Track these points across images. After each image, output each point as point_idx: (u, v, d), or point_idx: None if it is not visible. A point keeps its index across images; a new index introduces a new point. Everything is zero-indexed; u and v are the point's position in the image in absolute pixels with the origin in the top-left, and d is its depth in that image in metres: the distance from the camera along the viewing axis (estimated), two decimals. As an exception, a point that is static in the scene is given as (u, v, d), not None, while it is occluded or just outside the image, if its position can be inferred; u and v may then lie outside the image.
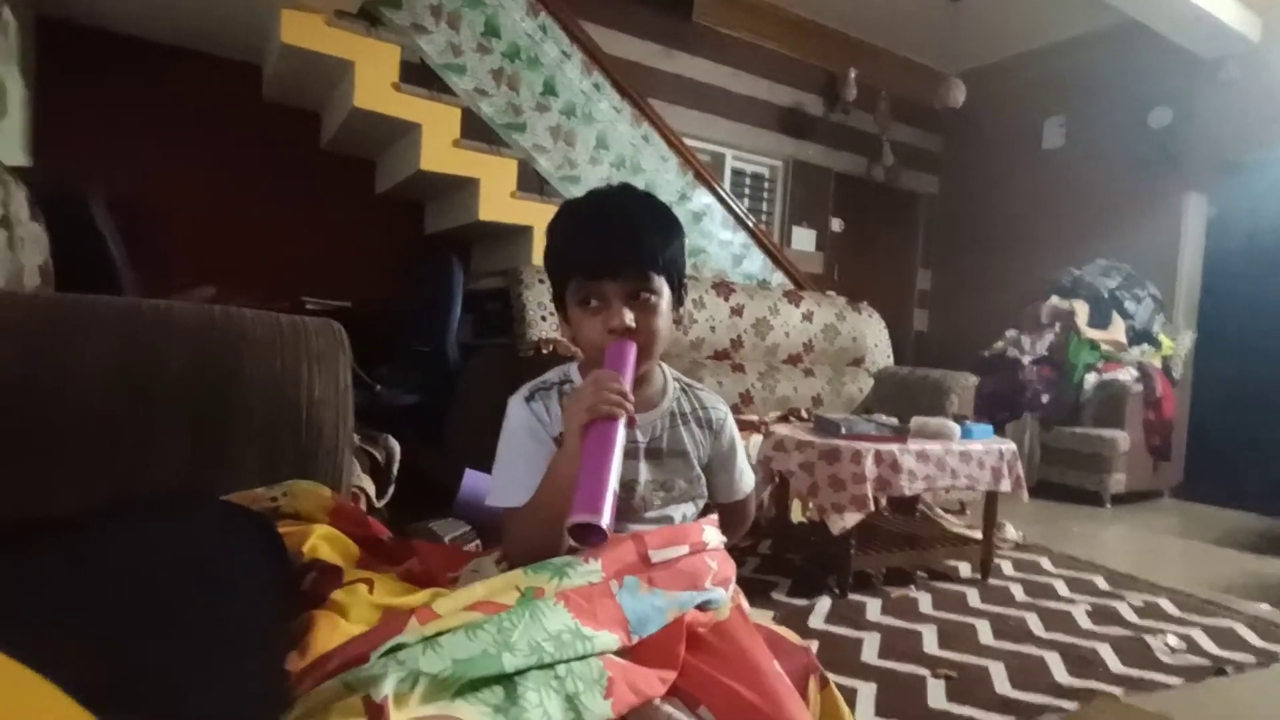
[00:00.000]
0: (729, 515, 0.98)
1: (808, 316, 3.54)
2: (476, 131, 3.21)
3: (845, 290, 4.01)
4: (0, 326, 0.99)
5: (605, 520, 0.69)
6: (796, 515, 2.53)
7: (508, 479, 0.85)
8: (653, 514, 0.91)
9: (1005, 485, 2.29)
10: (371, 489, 1.51)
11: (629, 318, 0.84)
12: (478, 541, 2.05)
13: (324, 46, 2.79)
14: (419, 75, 3.10)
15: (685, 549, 0.81)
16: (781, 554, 2.42)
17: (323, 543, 0.73)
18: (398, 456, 1.62)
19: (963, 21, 5.11)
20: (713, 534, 0.87)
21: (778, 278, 4.17)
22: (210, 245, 3.38)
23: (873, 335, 3.75)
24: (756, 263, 4.12)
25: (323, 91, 3.26)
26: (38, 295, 1.18)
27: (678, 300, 0.92)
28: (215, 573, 0.54)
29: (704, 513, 0.96)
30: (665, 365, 0.99)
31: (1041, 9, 4.97)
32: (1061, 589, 2.30)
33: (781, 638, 0.86)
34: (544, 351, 2.65)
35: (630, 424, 0.77)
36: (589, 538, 0.71)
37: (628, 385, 0.78)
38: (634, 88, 3.65)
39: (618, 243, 0.85)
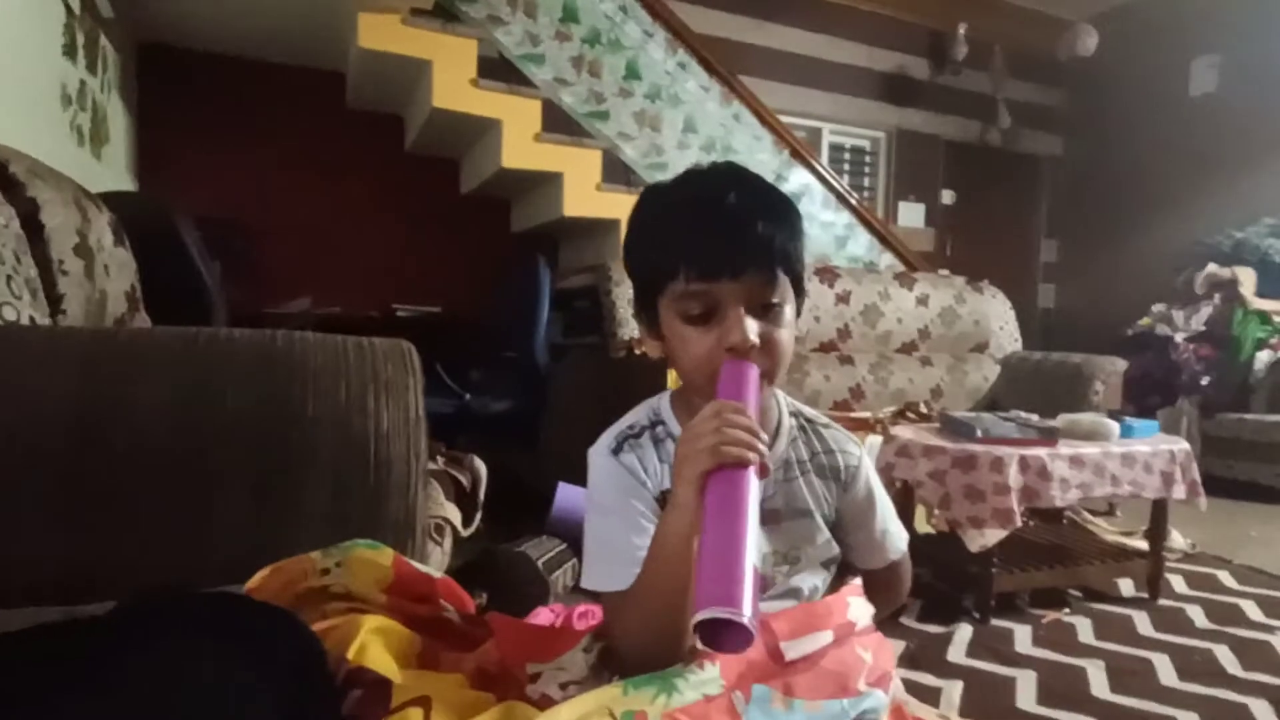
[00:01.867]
0: (876, 582, 0.77)
1: (922, 300, 3.22)
2: (559, 123, 3.09)
3: (960, 268, 3.65)
4: (53, 366, 0.92)
5: (746, 612, 0.49)
6: (921, 525, 2.27)
7: (606, 555, 0.67)
8: (775, 590, 0.72)
9: (1179, 492, 1.96)
10: (457, 518, 1.39)
11: (753, 331, 0.65)
12: (573, 561, 1.92)
13: (401, 47, 2.73)
14: (498, 69, 3.00)
15: (828, 635, 0.62)
16: (908, 570, 2.17)
17: (374, 640, 0.58)
18: (484, 479, 1.50)
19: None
20: (860, 608, 0.68)
21: (886, 259, 3.85)
22: (304, 256, 3.42)
23: (997, 318, 3.39)
24: (862, 244, 3.82)
25: (403, 94, 3.22)
26: (91, 329, 1.11)
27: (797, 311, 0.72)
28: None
29: (839, 576, 0.75)
30: (780, 394, 0.78)
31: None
32: (1253, 612, 1.95)
33: (956, 748, 0.66)
34: (636, 351, 2.50)
35: (762, 473, 0.58)
36: (725, 639, 0.50)
37: (754, 418, 0.59)
38: (722, 64, 3.42)
39: (740, 234, 0.65)
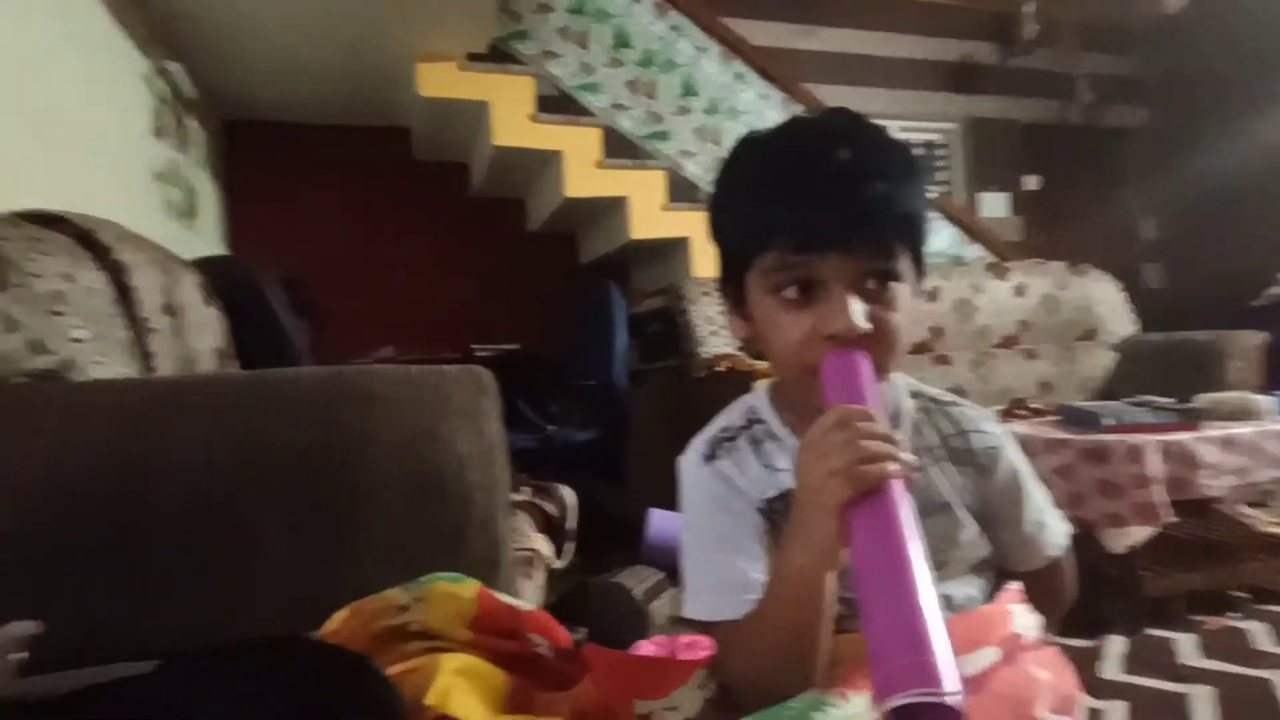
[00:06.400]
0: (1036, 586, 0.65)
1: (1019, 290, 3.01)
2: (620, 148, 3.08)
3: (1055, 255, 3.39)
4: (96, 417, 0.89)
5: (949, 687, 0.38)
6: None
7: (709, 582, 0.59)
8: None
9: (1355, 471, 1.71)
10: (548, 549, 1.33)
11: (861, 315, 0.54)
12: (672, 590, 1.83)
13: (459, 92, 2.78)
14: (556, 103, 3.02)
15: (993, 652, 0.52)
16: (1039, 580, 1.97)
17: (457, 682, 0.52)
18: (572, 508, 1.44)
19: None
20: (1025, 618, 0.57)
21: (973, 251, 3.64)
22: (384, 308, 3.51)
23: (1105, 301, 3.14)
24: (945, 238, 3.62)
25: (466, 138, 3.28)
26: (139, 379, 1.11)
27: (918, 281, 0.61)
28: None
29: (996, 584, 0.63)
30: (894, 373, 0.68)
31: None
32: None
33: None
34: (718, 369, 2.41)
35: (909, 483, 0.47)
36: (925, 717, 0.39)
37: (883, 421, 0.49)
38: (777, 73, 3.35)
39: (851, 198, 0.54)
